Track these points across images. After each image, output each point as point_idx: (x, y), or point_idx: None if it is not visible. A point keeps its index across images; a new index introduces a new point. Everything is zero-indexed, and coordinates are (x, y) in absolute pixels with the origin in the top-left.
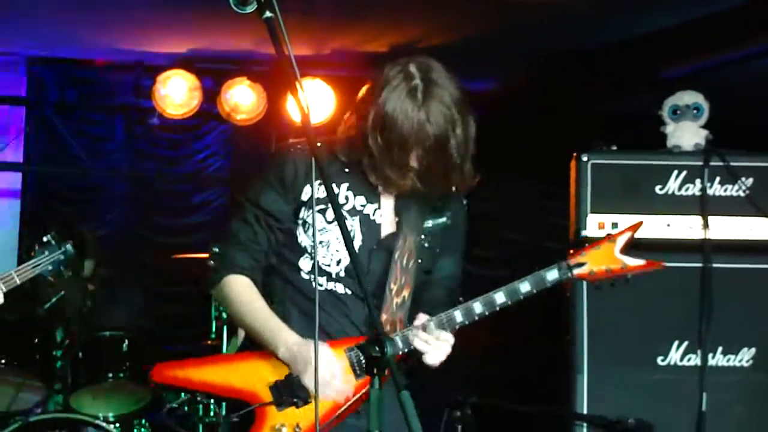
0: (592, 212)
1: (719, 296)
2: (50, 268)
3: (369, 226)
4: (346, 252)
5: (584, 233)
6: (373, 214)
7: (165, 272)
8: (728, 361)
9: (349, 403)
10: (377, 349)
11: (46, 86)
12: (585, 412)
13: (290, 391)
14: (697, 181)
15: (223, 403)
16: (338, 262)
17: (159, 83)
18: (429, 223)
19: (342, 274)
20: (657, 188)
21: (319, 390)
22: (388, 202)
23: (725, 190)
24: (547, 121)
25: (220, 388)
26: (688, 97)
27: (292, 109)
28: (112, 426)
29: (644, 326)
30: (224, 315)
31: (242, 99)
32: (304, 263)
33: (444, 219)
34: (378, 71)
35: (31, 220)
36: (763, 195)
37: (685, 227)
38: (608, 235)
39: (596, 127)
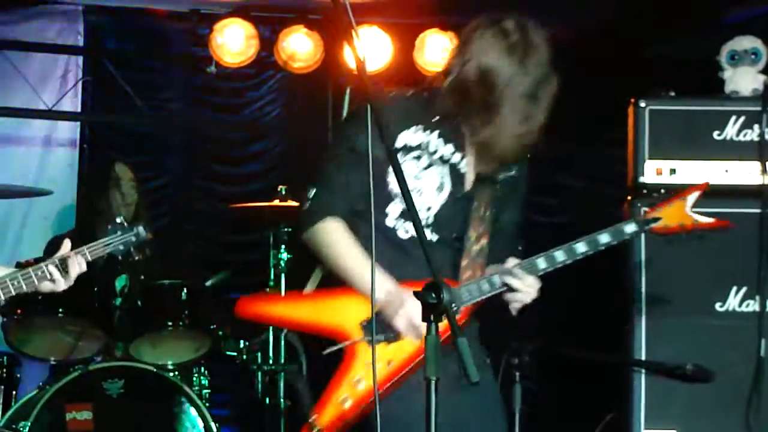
0: (649, 158)
1: None
2: (121, 248)
3: (456, 174)
4: (437, 199)
5: (642, 179)
6: (460, 163)
7: (223, 221)
8: None
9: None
10: (434, 295)
11: (103, 36)
12: (644, 358)
13: (381, 328)
14: (756, 127)
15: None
16: (428, 209)
17: (216, 32)
18: (501, 175)
19: (431, 220)
20: (715, 134)
21: (411, 331)
22: (471, 152)
23: None
24: (611, 66)
25: (307, 324)
26: (746, 42)
27: (349, 57)
28: (171, 374)
29: (702, 273)
30: (282, 263)
31: (299, 47)
32: (392, 208)
33: (513, 172)
34: (470, 26)
35: (89, 171)
36: None
37: (744, 173)
38: (679, 192)
39: (660, 73)
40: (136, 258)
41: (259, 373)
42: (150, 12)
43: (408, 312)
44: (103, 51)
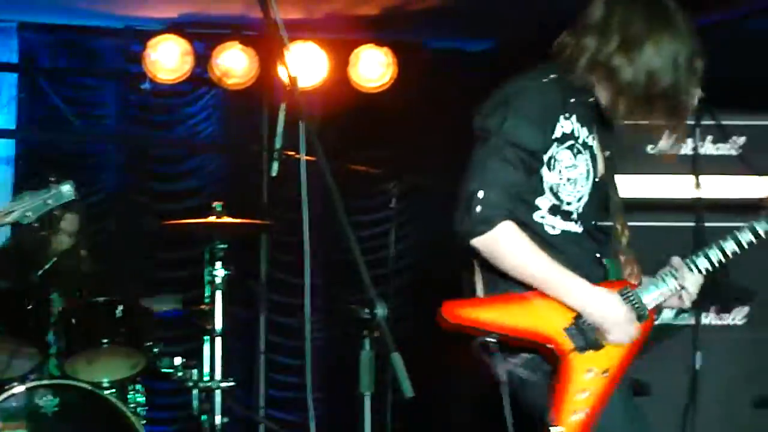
0: None
1: None
2: (46, 203)
3: (594, 159)
4: (586, 187)
5: None
6: (593, 146)
7: (158, 238)
8: (722, 319)
9: (641, 346)
10: (367, 311)
11: (37, 52)
12: None
13: (584, 335)
14: (689, 140)
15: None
16: (579, 200)
17: (150, 48)
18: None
19: (581, 210)
20: (649, 148)
21: (617, 336)
22: (598, 134)
23: (717, 149)
24: None
25: (516, 330)
26: None
27: (283, 73)
28: (107, 391)
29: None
30: (218, 279)
31: (234, 64)
32: (542, 202)
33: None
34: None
35: (23, 188)
36: (755, 154)
37: (678, 186)
38: None
39: None
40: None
41: (195, 390)
42: (84, 29)
43: (616, 314)
44: (37, 68)
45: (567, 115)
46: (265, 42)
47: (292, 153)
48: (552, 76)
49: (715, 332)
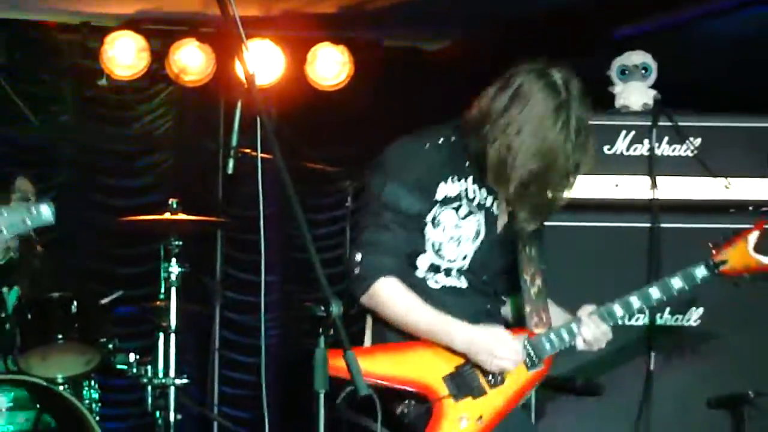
0: None
1: (667, 256)
2: (23, 224)
3: (490, 218)
4: (472, 246)
5: None
6: (492, 206)
7: (114, 234)
8: (676, 320)
9: (527, 392)
10: (323, 308)
11: None
12: None
13: (465, 382)
14: (645, 141)
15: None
16: (464, 257)
17: (107, 44)
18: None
19: (465, 267)
20: (605, 148)
21: (504, 363)
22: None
23: (673, 150)
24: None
25: (390, 378)
26: (636, 57)
27: (240, 71)
28: (61, 387)
29: (592, 286)
30: (173, 276)
31: (191, 60)
32: (422, 261)
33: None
34: (514, 71)
35: None
36: (711, 155)
37: (634, 187)
38: (739, 233)
39: None
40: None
41: (149, 387)
42: (41, 24)
43: (504, 351)
44: None
45: (456, 177)
46: (223, 39)
47: (249, 150)
48: (443, 139)
49: (669, 333)
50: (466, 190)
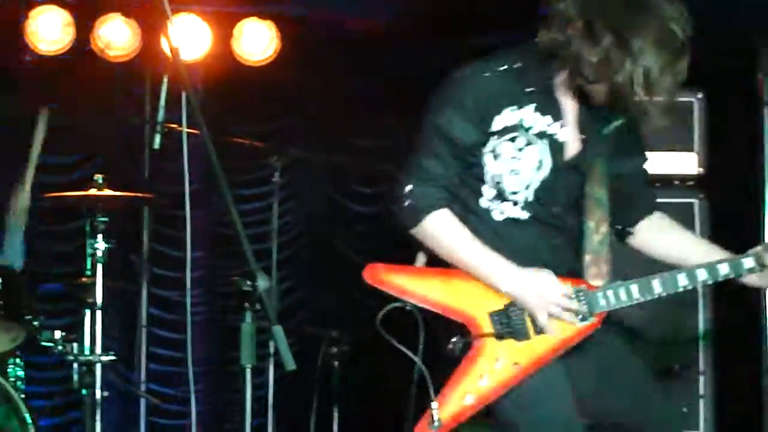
0: None
1: None
2: None
3: (556, 146)
4: (536, 176)
5: None
6: (558, 133)
7: (39, 211)
8: None
9: (571, 344)
10: (249, 282)
11: None
12: None
13: (511, 323)
14: None
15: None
16: (527, 187)
17: (31, 19)
18: (609, 128)
19: (531, 198)
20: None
21: (546, 328)
22: (571, 116)
23: None
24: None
25: (436, 304)
26: None
27: (166, 46)
28: None
29: None
30: (99, 252)
31: (116, 35)
32: (486, 189)
33: (620, 120)
34: None
35: None
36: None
37: None
38: None
39: None
40: None
41: (75, 364)
42: None
43: (553, 297)
44: None
45: (515, 107)
46: (148, 14)
47: (175, 126)
48: (505, 66)
49: None
50: (523, 119)
